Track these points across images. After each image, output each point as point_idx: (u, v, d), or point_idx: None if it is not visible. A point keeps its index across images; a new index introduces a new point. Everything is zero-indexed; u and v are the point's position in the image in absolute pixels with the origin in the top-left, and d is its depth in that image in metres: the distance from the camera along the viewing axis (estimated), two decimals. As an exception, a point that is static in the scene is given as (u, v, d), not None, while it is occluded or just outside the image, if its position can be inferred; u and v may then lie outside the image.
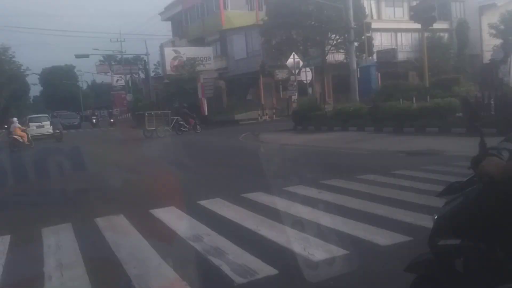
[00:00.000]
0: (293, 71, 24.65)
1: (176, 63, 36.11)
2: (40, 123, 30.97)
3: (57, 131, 26.27)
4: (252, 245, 4.90)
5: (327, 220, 5.66)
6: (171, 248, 5.13)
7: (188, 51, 36.90)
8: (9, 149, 21.23)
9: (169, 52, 36.81)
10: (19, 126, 23.14)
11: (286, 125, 23.44)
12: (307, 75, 24.42)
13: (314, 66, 26.70)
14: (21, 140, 21.72)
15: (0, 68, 51.27)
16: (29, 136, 23.21)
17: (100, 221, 6.54)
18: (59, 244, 5.63)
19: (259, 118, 32.44)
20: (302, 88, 26.32)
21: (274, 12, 30.90)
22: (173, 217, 6.44)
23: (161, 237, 5.60)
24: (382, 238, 4.86)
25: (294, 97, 27.40)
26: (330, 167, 10.07)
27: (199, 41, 40.35)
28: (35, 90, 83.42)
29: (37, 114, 37.63)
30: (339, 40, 30.86)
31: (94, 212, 7.10)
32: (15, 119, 23.47)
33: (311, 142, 15.84)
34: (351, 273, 4.12)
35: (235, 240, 5.09)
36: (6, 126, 28.28)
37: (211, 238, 5.29)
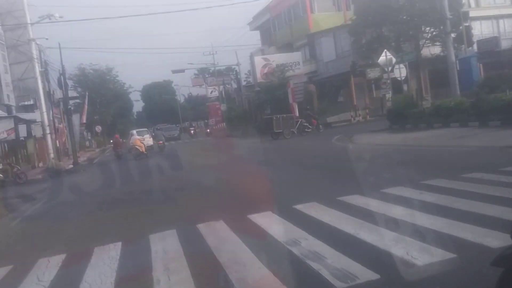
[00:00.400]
0: (386, 69, 23.81)
1: (266, 70, 36.68)
2: (141, 136, 33.13)
3: (160, 142, 28.91)
4: (351, 249, 4.79)
5: (430, 222, 5.36)
6: (270, 253, 5.16)
7: (277, 58, 37.31)
8: (133, 157, 24.48)
9: (258, 61, 37.48)
10: (139, 137, 26.52)
11: (381, 125, 22.70)
12: (401, 72, 23.44)
13: (408, 62, 25.55)
14: (141, 150, 24.59)
15: (105, 87, 55.82)
16: (146, 146, 26.06)
17: (202, 227, 6.80)
18: (166, 249, 5.94)
19: (352, 119, 31.80)
20: (396, 85, 25.32)
21: (362, 10, 30.24)
22: (270, 222, 6.50)
23: (260, 241, 5.69)
24: (494, 240, 4.48)
25: (388, 95, 26.42)
26: (431, 167, 9.56)
27: (287, 47, 40.62)
28: (138, 106, 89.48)
29: (140, 128, 40.98)
30: (434, 33, 29.30)
31: (196, 218, 7.42)
32: (134, 131, 26.28)
33: (409, 141, 15.15)
34: (459, 277, 3.85)
35: (333, 244, 5.02)
36: (111, 141, 31.89)
37: (309, 242, 5.26)
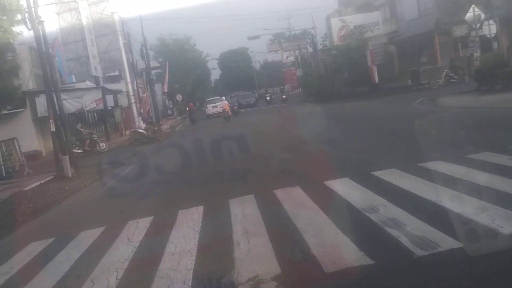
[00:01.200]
0: (474, 26, 22.12)
1: (343, 33, 35.59)
2: (214, 104, 37.62)
3: (235, 107, 33.23)
4: (432, 217, 4.64)
5: (521, 189, 5.03)
6: (347, 219, 5.14)
7: (355, 19, 35.98)
8: (224, 119, 28.32)
9: (335, 23, 36.41)
10: (227, 102, 32.47)
11: (468, 86, 21.34)
12: (490, 29, 21.67)
13: (499, 17, 23.53)
14: (228, 114, 28.50)
15: (184, 56, 57.26)
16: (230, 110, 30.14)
17: (279, 193, 6.91)
18: (244, 214, 6.13)
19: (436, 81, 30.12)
20: (485, 44, 23.50)
21: (448, -37, 28.14)
22: (347, 189, 6.45)
23: (336, 208, 5.68)
24: None
25: (477, 54, 24.64)
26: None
27: (366, 7, 38.92)
28: (215, 74, 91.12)
29: (218, 96, 46.06)
30: (529, -16, 26.67)
31: (273, 184, 7.55)
32: (223, 97, 35.51)
33: (499, 103, 14.11)
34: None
35: (413, 211, 4.89)
36: (187, 109, 38.70)
37: (388, 209, 5.16)
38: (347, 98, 31.83)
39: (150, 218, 6.82)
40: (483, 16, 21.78)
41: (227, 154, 13.15)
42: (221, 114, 30.90)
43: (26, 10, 14.29)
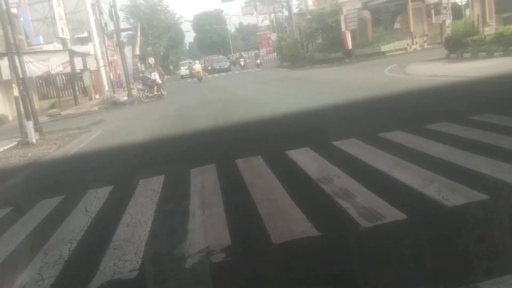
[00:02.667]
0: (446, -7, 22.18)
1: (318, -4, 35.14)
2: (186, 67, 47.78)
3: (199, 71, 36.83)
4: (382, 188, 4.74)
5: (470, 161, 5.17)
6: (302, 190, 5.22)
7: (330, -17, 35.43)
8: (197, 80, 34.37)
9: (310, -14, 35.85)
10: (199, 66, 39.18)
11: (438, 53, 21.57)
12: (462, -4, 21.79)
13: (472, -16, 23.55)
14: (201, 75, 34.83)
15: (157, 18, 55.81)
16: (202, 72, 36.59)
17: (241, 162, 6.94)
18: (204, 184, 6.15)
19: (408, 47, 30.33)
20: (457, 11, 23.68)
21: None
22: (306, 159, 6.51)
23: (293, 178, 5.75)
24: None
25: (449, 21, 24.80)
26: (484, 101, 9.06)
27: (341, -30, 38.37)
28: (189, 36, 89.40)
29: (191, 59, 53.16)
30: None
31: (235, 153, 7.57)
32: (197, 61, 45.67)
33: (465, 72, 14.33)
34: (488, 220, 3.76)
35: (365, 183, 4.99)
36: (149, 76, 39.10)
37: (341, 180, 5.25)
38: (321, 63, 31.84)
39: (110, 188, 6.78)
40: (455, -17, 21.83)
41: (195, 120, 13.08)
42: (193, 75, 36.89)
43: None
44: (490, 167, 4.83)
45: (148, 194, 6.11)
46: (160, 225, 4.88)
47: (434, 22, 31.82)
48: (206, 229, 4.49)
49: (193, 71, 39.51)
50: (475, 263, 3.12)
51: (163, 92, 24.22)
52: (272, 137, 8.82)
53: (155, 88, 23.94)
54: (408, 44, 30.46)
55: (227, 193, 5.59)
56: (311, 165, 6.13)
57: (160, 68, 45.63)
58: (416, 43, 30.59)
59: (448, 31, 24.11)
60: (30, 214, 6.18)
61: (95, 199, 6.32)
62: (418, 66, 18.94)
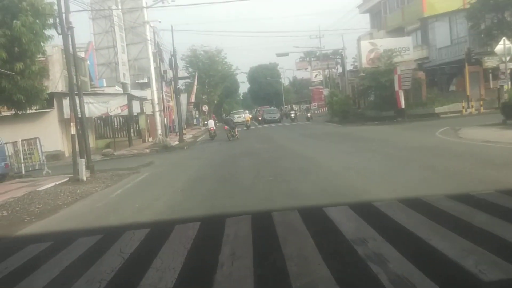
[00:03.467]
0: (504, 58, 21.73)
1: (372, 55, 35.44)
2: (239, 115, 49.37)
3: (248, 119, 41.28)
4: (418, 256, 4.53)
5: (515, 235, 4.87)
6: (334, 250, 5.09)
7: (385, 43, 35.81)
8: (245, 127, 37.65)
9: (365, 45, 36.31)
10: (248, 115, 45.91)
11: (494, 119, 20.87)
12: (521, 62, 21.27)
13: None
14: (249, 123, 39.47)
15: (214, 68, 58.03)
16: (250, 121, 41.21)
17: (276, 216, 6.88)
18: (237, 235, 6.12)
19: (464, 110, 29.63)
20: (517, 76, 23.04)
21: (483, -7, 27.78)
22: (343, 218, 6.37)
23: (327, 237, 5.62)
24: None
25: (507, 87, 24.15)
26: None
27: (398, 32, 38.76)
28: (244, 87, 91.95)
29: (245, 109, 60.11)
30: None
31: (272, 205, 7.54)
32: (246, 111, 52.57)
33: (522, 139, 13.76)
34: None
35: (401, 248, 4.79)
36: (205, 123, 45.67)
37: (377, 244, 5.07)
38: (372, 121, 31.62)
39: (147, 230, 6.89)
40: (514, 49, 21.40)
41: (238, 169, 13.22)
42: (243, 123, 40.11)
43: (57, 15, 14.79)
44: (537, 243, 4.53)
45: (182, 240, 6.14)
46: (188, 273, 4.87)
47: (491, 86, 31.06)
48: (232, 282, 4.43)
49: (242, 118, 44.58)
50: None
51: (237, 133, 27.32)
52: (312, 192, 8.72)
53: (236, 129, 27.24)
54: (463, 107, 29.79)
55: (259, 246, 5.53)
56: (347, 225, 5.98)
57: (214, 115, 50.44)
58: (472, 106, 29.86)
59: (506, 96, 23.45)
60: (67, 251, 6.35)
61: (131, 240, 6.42)
62: (472, 130, 18.40)
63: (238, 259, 5.10)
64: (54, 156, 23.22)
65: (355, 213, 6.53)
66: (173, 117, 38.96)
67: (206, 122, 44.62)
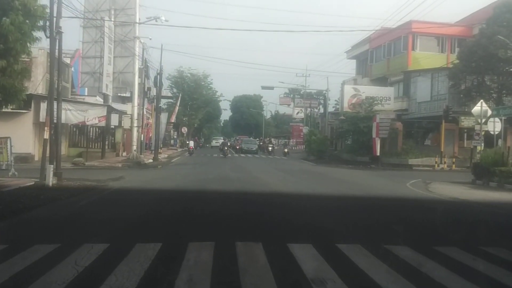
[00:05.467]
0: (479, 120, 22.45)
1: (354, 100, 36.20)
2: (217, 141, 54.51)
3: (225, 148, 39.34)
4: (374, 303, 4.54)
5: (471, 293, 4.93)
6: (292, 287, 5.04)
7: (368, 90, 36.72)
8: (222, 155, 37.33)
9: (348, 90, 37.10)
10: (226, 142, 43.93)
11: (465, 177, 21.39)
12: (495, 126, 21.96)
13: (506, 116, 23.87)
14: (227, 152, 38.39)
15: (199, 92, 58.19)
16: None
17: (240, 246, 6.81)
18: (197, 260, 6.03)
19: (436, 165, 30.29)
20: (490, 139, 23.75)
21: (467, 56, 28.90)
22: (306, 256, 6.34)
23: (287, 273, 5.58)
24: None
25: (480, 148, 24.85)
26: (501, 233, 8.79)
27: (381, 81, 39.83)
28: (226, 114, 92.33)
29: (224, 136, 60.72)
30: (542, 89, 27.40)
31: (236, 235, 7.47)
32: (226, 138, 53.04)
33: (489, 200, 14.09)
34: None
35: (358, 293, 4.79)
36: (187, 142, 48.91)
37: (335, 286, 5.06)
38: (346, 164, 31.99)
39: (106, 246, 6.72)
40: (489, 112, 22.14)
41: (208, 195, 13.13)
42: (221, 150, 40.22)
43: (48, 18, 14.73)
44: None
45: (140, 259, 6.01)
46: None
47: (465, 145, 31.93)
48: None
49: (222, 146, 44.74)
50: None
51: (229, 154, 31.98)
52: (279, 226, 8.69)
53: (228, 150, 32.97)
54: (436, 162, 30.45)
55: (218, 274, 5.45)
56: (309, 264, 5.96)
57: (196, 138, 54.78)
58: (445, 162, 30.56)
59: (477, 157, 24.12)
60: (21, 256, 6.14)
61: (88, 254, 6.25)
62: (442, 185, 18.78)
63: (194, 285, 5.01)
64: (24, 159, 22.65)
65: (318, 253, 6.52)
66: (150, 135, 38.64)
67: (187, 142, 48.92)
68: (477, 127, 23.52)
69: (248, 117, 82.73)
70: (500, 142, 23.36)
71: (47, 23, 14.80)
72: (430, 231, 8.73)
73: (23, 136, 23.12)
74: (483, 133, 22.87)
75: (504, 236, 8.49)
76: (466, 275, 5.62)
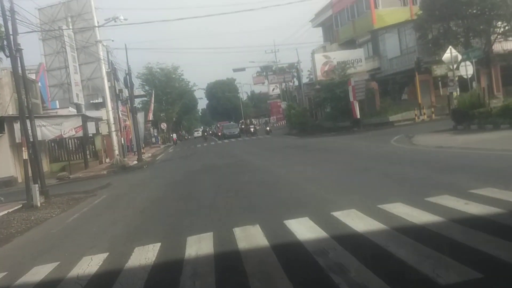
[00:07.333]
0: (451, 66, 22.68)
1: (326, 68, 36.25)
2: (198, 132, 60.14)
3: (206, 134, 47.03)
4: (377, 263, 4.61)
5: (468, 237, 5.04)
6: (296, 263, 5.09)
7: (338, 55, 36.76)
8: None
9: (319, 58, 37.10)
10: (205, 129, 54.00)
11: (446, 124, 21.73)
12: (467, 70, 22.22)
13: (477, 58, 24.14)
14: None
15: (171, 85, 57.55)
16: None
17: (238, 231, 6.84)
18: (199, 253, 6.04)
19: (416, 118, 30.72)
20: (464, 83, 24.06)
21: (429, 5, 29.12)
22: (304, 229, 6.40)
23: (289, 250, 5.63)
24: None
25: (456, 93, 25.17)
26: (488, 174, 8.95)
27: (350, 44, 39.88)
28: (202, 103, 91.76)
29: (204, 125, 58.18)
30: (507, 27, 27.72)
31: (234, 221, 7.50)
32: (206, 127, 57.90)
33: (471, 144, 14.32)
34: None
35: (360, 257, 4.86)
36: (171, 135, 53.18)
37: (336, 253, 5.13)
38: (329, 132, 32.20)
39: (105, 255, 6.70)
40: (460, 57, 22.37)
41: (199, 187, 13.11)
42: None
43: (5, 37, 14.35)
44: (487, 244, 4.70)
45: (141, 262, 6.01)
46: (149, 296, 4.75)
47: (441, 93, 32.36)
48: (194, 303, 4.36)
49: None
50: None
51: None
52: (273, 205, 8.72)
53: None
54: (416, 115, 30.86)
55: (221, 263, 5.48)
56: (308, 236, 6.02)
57: (180, 132, 57.19)
58: (424, 114, 30.99)
59: (455, 103, 24.43)
60: (21, 281, 6.09)
61: (89, 266, 6.22)
62: (424, 137, 19.04)
63: (200, 278, 5.03)
64: (7, 183, 22.29)
65: (315, 224, 6.59)
66: (130, 137, 38.29)
67: (171, 135, 55.14)
68: (449, 74, 23.79)
69: (225, 102, 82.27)
70: (474, 84, 23.67)
71: (5, 43, 14.40)
72: (420, 183, 8.85)
73: (2, 160, 22.74)
74: (456, 78, 23.12)
75: (491, 175, 8.66)
76: (460, 221, 5.74)
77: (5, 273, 6.64)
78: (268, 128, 44.94)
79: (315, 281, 4.48)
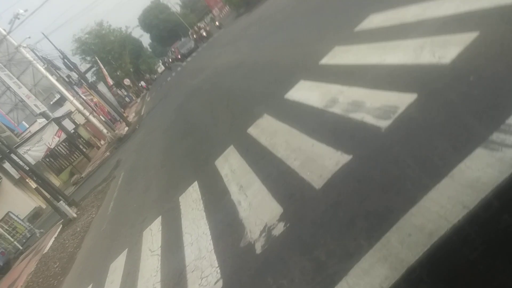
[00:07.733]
0: None
1: None
2: (160, 66, 57.15)
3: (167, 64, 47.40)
4: (384, 80, 4.70)
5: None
6: (316, 126, 5.19)
7: None
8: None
9: None
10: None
11: None
12: None
13: None
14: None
15: (107, 42, 55.14)
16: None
17: (252, 130, 6.92)
18: (233, 169, 6.21)
19: None
20: None
21: None
22: (305, 92, 6.46)
23: (304, 118, 5.71)
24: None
25: None
26: None
27: None
28: (146, 39, 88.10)
29: (161, 57, 55.58)
30: None
31: (244, 123, 7.54)
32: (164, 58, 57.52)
33: None
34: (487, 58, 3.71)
35: (367, 83, 4.93)
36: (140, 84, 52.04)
37: (346, 95, 5.22)
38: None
39: (159, 218, 6.97)
40: None
41: (195, 119, 13.09)
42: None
43: None
44: None
45: (192, 206, 6.25)
46: (217, 228, 5.01)
47: None
48: (256, 210, 4.58)
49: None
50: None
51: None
52: (268, 87, 8.71)
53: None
54: None
55: (257, 164, 5.64)
56: (311, 96, 6.08)
57: (145, 77, 58.73)
58: None
59: None
60: (109, 280, 6.48)
61: (152, 236, 6.53)
62: None
63: (247, 189, 5.24)
64: (35, 215, 22.69)
65: (312, 81, 6.62)
66: (106, 110, 37.70)
67: (140, 84, 56.54)
68: None
69: (164, 25, 78.51)
70: None
71: None
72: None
73: (17, 200, 22.89)
74: None
75: None
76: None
77: (92, 283, 7.05)
78: (217, 23, 43.36)
79: (341, 130, 4.63)
